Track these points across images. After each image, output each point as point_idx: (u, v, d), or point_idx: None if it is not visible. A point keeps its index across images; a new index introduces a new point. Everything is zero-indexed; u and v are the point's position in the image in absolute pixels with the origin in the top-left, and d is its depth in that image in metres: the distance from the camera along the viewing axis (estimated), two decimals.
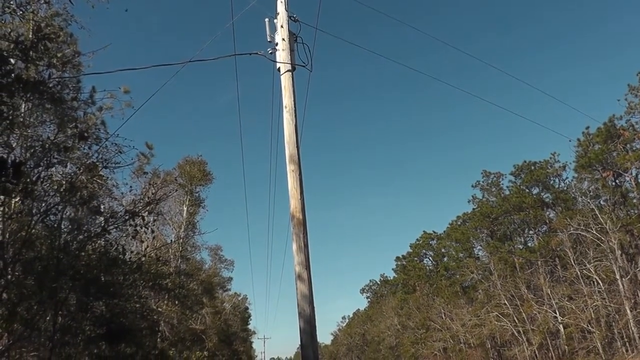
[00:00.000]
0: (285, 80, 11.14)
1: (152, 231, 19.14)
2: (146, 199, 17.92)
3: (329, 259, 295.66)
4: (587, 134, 50.40)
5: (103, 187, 17.95)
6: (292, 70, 11.27)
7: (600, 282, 48.15)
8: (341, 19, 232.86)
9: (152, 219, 19.99)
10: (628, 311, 44.78)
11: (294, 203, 10.14)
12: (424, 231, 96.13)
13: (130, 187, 19.32)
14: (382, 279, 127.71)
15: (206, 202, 46.52)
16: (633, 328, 44.69)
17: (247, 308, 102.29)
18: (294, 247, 9.87)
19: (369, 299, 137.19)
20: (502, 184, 70.30)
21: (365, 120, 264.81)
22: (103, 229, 14.72)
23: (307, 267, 9.75)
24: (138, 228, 16.79)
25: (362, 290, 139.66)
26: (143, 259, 18.69)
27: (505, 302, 61.62)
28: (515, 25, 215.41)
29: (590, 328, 49.94)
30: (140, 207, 16.67)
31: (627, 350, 46.29)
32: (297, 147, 10.58)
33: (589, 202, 49.84)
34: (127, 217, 15.86)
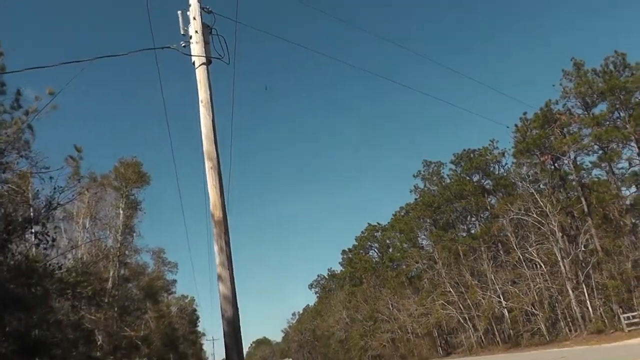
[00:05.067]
0: (200, 74, 10.57)
1: (53, 239, 18.03)
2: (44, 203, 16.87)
3: (277, 256, 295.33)
4: (524, 120, 51.06)
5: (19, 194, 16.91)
6: (208, 63, 10.72)
7: (542, 264, 48.95)
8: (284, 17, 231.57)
9: (53, 226, 18.91)
10: (570, 292, 45.56)
11: (213, 201, 9.64)
12: (368, 223, 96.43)
13: (38, 191, 18.22)
14: (329, 273, 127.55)
15: (144, 204, 45.32)
16: (575, 308, 45.50)
17: (194, 310, 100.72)
18: (215, 247, 9.39)
19: (318, 294, 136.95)
20: (443, 173, 71.18)
21: (304, 113, 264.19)
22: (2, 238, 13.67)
23: (229, 267, 9.25)
24: (40, 236, 15.77)
25: (311, 286, 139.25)
26: (58, 268, 17.62)
27: (450, 289, 62.20)
28: (448, 14, 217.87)
29: (534, 310, 50.77)
30: (43, 212, 15.62)
31: (570, 330, 47.12)
32: (215, 142, 10.08)
33: (528, 187, 50.50)
34: (25, 225, 14.81)
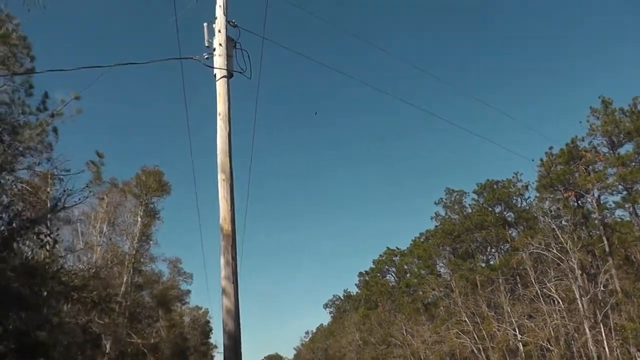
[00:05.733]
0: (220, 87, 10.63)
1: (55, 241, 18.11)
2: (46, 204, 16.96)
3: (294, 273, 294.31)
4: (549, 154, 50.47)
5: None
6: (229, 76, 10.74)
7: (560, 301, 48.10)
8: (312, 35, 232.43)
9: (56, 228, 18.99)
10: (587, 330, 44.68)
11: (223, 214, 9.61)
12: (387, 247, 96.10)
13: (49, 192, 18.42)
14: (345, 294, 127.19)
15: (162, 213, 45.44)
16: (592, 347, 44.57)
17: (208, 322, 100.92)
18: (222, 260, 9.37)
19: (332, 314, 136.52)
20: (465, 202, 70.49)
21: (325, 141, 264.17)
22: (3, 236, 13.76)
23: (234, 281, 9.26)
24: (42, 237, 15.85)
25: (326, 306, 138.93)
26: (57, 270, 17.67)
27: (466, 319, 61.44)
28: (479, 47, 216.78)
29: (549, 346, 49.85)
30: (47, 212, 15.72)
31: None
32: (230, 155, 10.10)
33: (550, 222, 49.77)
34: (27, 225, 14.89)
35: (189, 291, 74.19)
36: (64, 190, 17.32)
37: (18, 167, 18.77)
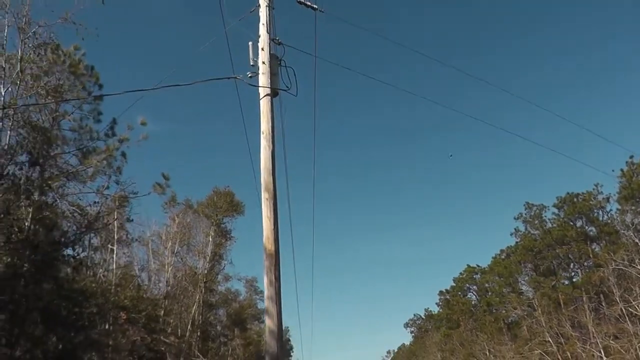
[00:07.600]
0: (264, 105, 10.59)
1: (81, 262, 18.57)
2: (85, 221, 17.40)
3: (376, 290, 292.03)
4: (630, 164, 48.35)
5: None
6: (273, 95, 10.72)
7: None
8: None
9: (89, 246, 19.45)
10: None
11: (266, 234, 9.54)
12: (467, 265, 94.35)
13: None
14: (426, 313, 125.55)
15: (236, 233, 46.14)
16: None
17: (288, 340, 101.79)
18: (265, 280, 9.36)
19: (413, 334, 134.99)
20: (545, 217, 68.16)
21: (407, 156, 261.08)
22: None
23: (277, 301, 9.20)
24: (69, 259, 16.31)
25: (406, 325, 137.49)
26: (95, 291, 18.18)
27: (549, 339, 59.25)
28: (555, 60, 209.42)
29: None
30: (83, 231, 16.20)
31: None
32: (273, 174, 10.03)
33: (632, 236, 47.47)
34: (55, 247, 15.35)
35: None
36: (98, 213, 17.90)
37: (86, 191, 19.71)
